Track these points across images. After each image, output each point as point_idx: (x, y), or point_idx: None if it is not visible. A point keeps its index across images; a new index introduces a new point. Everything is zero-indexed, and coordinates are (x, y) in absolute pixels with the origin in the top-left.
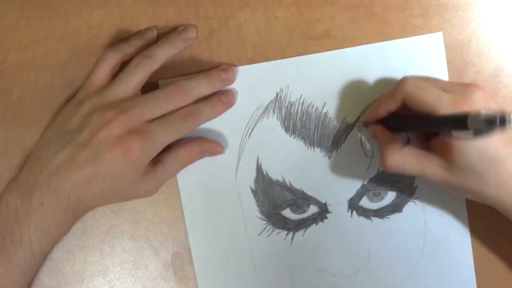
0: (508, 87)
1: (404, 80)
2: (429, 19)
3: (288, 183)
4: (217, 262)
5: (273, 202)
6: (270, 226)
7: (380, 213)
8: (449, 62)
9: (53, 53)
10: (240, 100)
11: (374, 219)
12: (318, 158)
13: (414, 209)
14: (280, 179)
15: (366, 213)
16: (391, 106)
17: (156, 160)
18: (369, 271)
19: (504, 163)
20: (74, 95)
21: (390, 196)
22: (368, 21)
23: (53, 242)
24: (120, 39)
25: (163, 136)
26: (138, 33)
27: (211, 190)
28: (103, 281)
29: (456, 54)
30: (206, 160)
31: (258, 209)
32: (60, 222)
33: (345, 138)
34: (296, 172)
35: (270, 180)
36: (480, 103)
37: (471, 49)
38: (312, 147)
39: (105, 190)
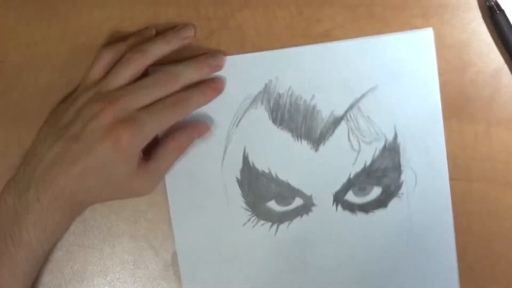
0: (508, 87)
1: None
2: (429, 19)
3: (274, 174)
4: (201, 251)
5: (258, 193)
6: (254, 217)
7: (365, 208)
8: (449, 62)
9: (53, 53)
10: (228, 90)
11: (359, 213)
12: (305, 151)
13: (400, 205)
14: (266, 171)
15: (351, 207)
16: None
17: (148, 157)
18: (352, 265)
19: None
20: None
21: (376, 191)
22: (368, 21)
23: (53, 240)
24: (120, 39)
25: (153, 124)
26: (136, 33)
27: (197, 179)
28: (103, 281)
29: (456, 54)
30: (192, 149)
31: (243, 200)
32: (57, 218)
33: (333, 132)
34: (283, 164)
35: (256, 171)
36: None
37: (471, 49)
38: (299, 139)
39: (99, 183)
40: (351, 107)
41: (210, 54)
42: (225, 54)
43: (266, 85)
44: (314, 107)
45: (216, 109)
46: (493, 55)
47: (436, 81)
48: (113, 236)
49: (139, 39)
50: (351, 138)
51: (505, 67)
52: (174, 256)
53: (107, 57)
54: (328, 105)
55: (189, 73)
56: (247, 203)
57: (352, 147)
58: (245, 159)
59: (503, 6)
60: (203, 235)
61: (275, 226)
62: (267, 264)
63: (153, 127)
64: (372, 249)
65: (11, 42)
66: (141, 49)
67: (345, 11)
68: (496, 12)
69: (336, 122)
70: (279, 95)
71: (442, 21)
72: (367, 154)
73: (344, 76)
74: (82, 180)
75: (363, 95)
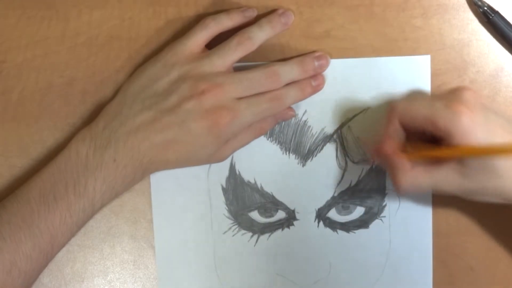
0: (508, 87)
1: (392, 104)
2: (429, 19)
3: (259, 185)
4: (179, 255)
5: (242, 203)
6: (236, 226)
7: (347, 227)
8: (449, 62)
9: (53, 53)
10: None
11: (340, 232)
12: (292, 165)
13: (381, 227)
14: (252, 181)
15: (332, 225)
16: (393, 134)
17: None
18: (329, 282)
19: None
20: (74, 95)
21: (359, 211)
22: (368, 21)
23: (115, 197)
24: (120, 39)
25: (250, 116)
26: (239, 9)
27: (182, 183)
28: (103, 281)
29: (456, 54)
30: None
31: (226, 208)
32: (128, 180)
33: (321, 148)
34: (269, 176)
35: (242, 180)
36: (472, 101)
37: (471, 49)
38: (287, 152)
39: (180, 157)
40: (342, 126)
41: (316, 56)
42: (331, 57)
43: None
44: (305, 122)
45: None
46: (493, 55)
47: None
48: (113, 236)
49: (242, 18)
50: (339, 156)
51: (505, 67)
52: None
53: (212, 28)
54: (319, 121)
55: (293, 75)
56: (230, 211)
57: (339, 165)
58: (232, 167)
59: (497, 6)
60: (183, 239)
61: (255, 236)
62: (244, 274)
63: (249, 119)
64: (350, 268)
65: (11, 42)
66: (250, 35)
67: (345, 11)
68: (491, 16)
69: (325, 139)
70: None
71: (442, 21)
72: (354, 174)
73: (339, 95)
74: (165, 151)
75: (355, 115)
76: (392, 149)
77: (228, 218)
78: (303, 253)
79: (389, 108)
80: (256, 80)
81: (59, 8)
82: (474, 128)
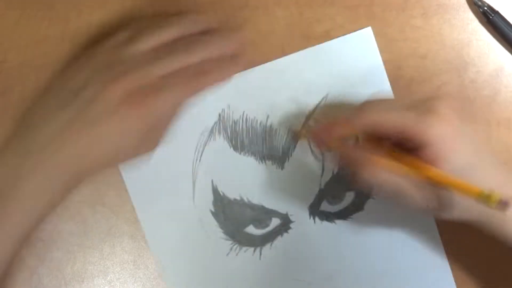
0: (508, 87)
1: (363, 105)
2: (429, 19)
3: (246, 200)
4: (190, 286)
5: (235, 221)
6: (236, 245)
7: (342, 215)
8: (449, 62)
9: (53, 53)
10: (184, 127)
11: (338, 221)
12: (271, 171)
13: (376, 205)
14: (238, 198)
15: (328, 217)
16: (346, 131)
17: None
18: (343, 273)
19: (479, 168)
20: None
21: (350, 196)
22: (368, 21)
23: (51, 206)
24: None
25: (174, 94)
26: (183, 18)
27: (173, 219)
28: (103, 281)
29: (456, 54)
30: (163, 190)
31: (221, 230)
32: (59, 183)
33: (294, 147)
34: (253, 188)
35: (228, 200)
36: (448, 115)
37: (471, 49)
38: (263, 161)
39: (109, 149)
40: (307, 120)
41: (236, 32)
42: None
43: (219, 115)
44: (271, 127)
45: (176, 148)
46: (493, 55)
47: (385, 75)
48: (113, 236)
49: (183, 28)
50: (313, 149)
51: (505, 67)
52: None
53: (167, 35)
54: (284, 122)
55: (211, 46)
56: (226, 232)
57: (316, 158)
58: (215, 191)
59: (497, 6)
60: (191, 272)
61: (258, 249)
62: None
63: (174, 97)
64: (358, 253)
65: (11, 42)
66: (188, 50)
67: (345, 11)
68: (491, 16)
69: (295, 137)
70: (235, 122)
71: (442, 21)
72: (333, 162)
73: (294, 91)
74: (94, 145)
75: (316, 106)
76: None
77: (226, 239)
78: (309, 252)
79: (359, 107)
80: (175, 53)
81: (59, 8)
82: (447, 140)
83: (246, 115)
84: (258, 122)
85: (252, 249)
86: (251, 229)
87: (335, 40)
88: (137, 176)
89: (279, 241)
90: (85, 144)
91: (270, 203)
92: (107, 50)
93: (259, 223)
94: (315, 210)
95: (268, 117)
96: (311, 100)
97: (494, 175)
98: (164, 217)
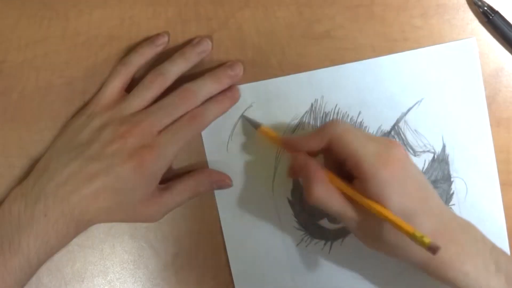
0: (508, 87)
1: (333, 122)
2: (429, 19)
3: None
4: (256, 274)
5: (310, 213)
6: (307, 237)
7: None
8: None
9: (53, 53)
10: (275, 112)
11: None
12: None
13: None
14: (310, 203)
15: None
16: (314, 144)
17: (165, 187)
18: (411, 272)
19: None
20: (74, 95)
21: None
22: (368, 21)
23: (51, 253)
24: (120, 39)
25: (174, 145)
26: (149, 40)
27: (248, 202)
28: (103, 281)
29: None
30: (242, 172)
31: (296, 220)
32: (61, 234)
33: None
34: None
35: None
36: (400, 160)
37: None
38: None
39: (111, 205)
40: (398, 122)
41: (228, 65)
42: (242, 62)
43: (312, 105)
44: (361, 123)
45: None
46: (493, 55)
47: (482, 89)
48: (113, 236)
49: (153, 48)
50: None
51: (505, 67)
52: (174, 256)
53: (124, 73)
54: (375, 120)
55: (208, 87)
56: (299, 222)
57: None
58: (295, 179)
59: (497, 6)
60: (257, 258)
61: (328, 243)
62: (322, 282)
63: (175, 148)
64: None
65: (11, 42)
66: (161, 71)
67: (345, 11)
68: (491, 16)
69: (384, 137)
70: (326, 114)
71: (442, 21)
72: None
73: (390, 91)
74: (95, 200)
75: (409, 109)
76: (315, 160)
77: (299, 229)
78: (378, 252)
79: (329, 122)
80: (172, 105)
81: (59, 8)
82: (390, 186)
83: (339, 108)
84: (349, 116)
85: (322, 242)
86: (325, 223)
87: (436, 46)
88: (219, 156)
89: (351, 237)
90: (89, 197)
91: None
92: (108, 107)
93: (334, 218)
94: None
95: (360, 113)
96: (406, 103)
97: (433, 224)
98: (239, 198)
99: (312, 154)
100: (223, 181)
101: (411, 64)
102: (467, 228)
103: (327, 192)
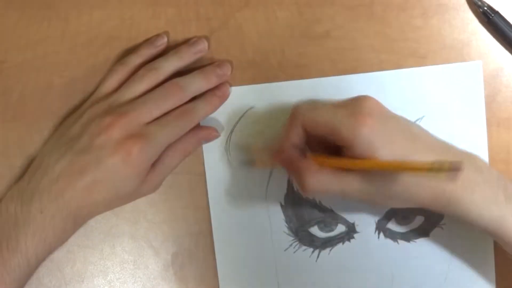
0: (508, 87)
1: (295, 107)
2: (429, 19)
3: (317, 201)
4: (242, 275)
5: (301, 219)
6: (296, 243)
7: (407, 237)
8: (449, 62)
9: (53, 53)
10: (274, 117)
11: (401, 242)
12: None
13: (441, 234)
14: (310, 197)
15: (393, 235)
16: (295, 138)
17: (156, 159)
18: (398, 284)
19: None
20: (74, 95)
21: (419, 220)
22: (368, 21)
23: (50, 251)
24: (120, 39)
25: (162, 137)
26: (148, 41)
27: (241, 203)
28: (103, 281)
29: (456, 54)
30: (237, 173)
31: (286, 225)
32: (59, 230)
33: None
34: None
35: (300, 197)
36: (374, 109)
37: (471, 49)
38: None
39: (107, 196)
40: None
41: (217, 64)
42: (231, 62)
43: None
44: None
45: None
46: (493, 55)
47: (483, 112)
48: (113, 236)
49: (152, 49)
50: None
51: (505, 67)
52: (174, 256)
53: (120, 71)
54: None
55: (196, 84)
56: (290, 228)
57: None
58: (290, 184)
59: (497, 6)
60: (244, 259)
61: (316, 251)
62: None
63: (162, 140)
64: (412, 277)
65: (11, 42)
66: (154, 66)
67: (345, 11)
68: (491, 16)
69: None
70: None
71: (442, 21)
72: None
73: (392, 106)
74: (89, 193)
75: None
76: (296, 152)
77: (288, 235)
78: (365, 266)
79: (292, 111)
80: (159, 98)
81: (59, 8)
82: (374, 138)
83: None
84: None
85: (311, 249)
86: (315, 230)
87: (442, 65)
88: (216, 156)
89: (339, 248)
90: (83, 191)
91: (340, 209)
92: (97, 100)
93: (325, 226)
94: (382, 226)
95: None
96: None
97: (431, 155)
98: (232, 198)
99: (302, 146)
100: (210, 134)
101: (416, 81)
102: (468, 158)
103: (318, 180)
